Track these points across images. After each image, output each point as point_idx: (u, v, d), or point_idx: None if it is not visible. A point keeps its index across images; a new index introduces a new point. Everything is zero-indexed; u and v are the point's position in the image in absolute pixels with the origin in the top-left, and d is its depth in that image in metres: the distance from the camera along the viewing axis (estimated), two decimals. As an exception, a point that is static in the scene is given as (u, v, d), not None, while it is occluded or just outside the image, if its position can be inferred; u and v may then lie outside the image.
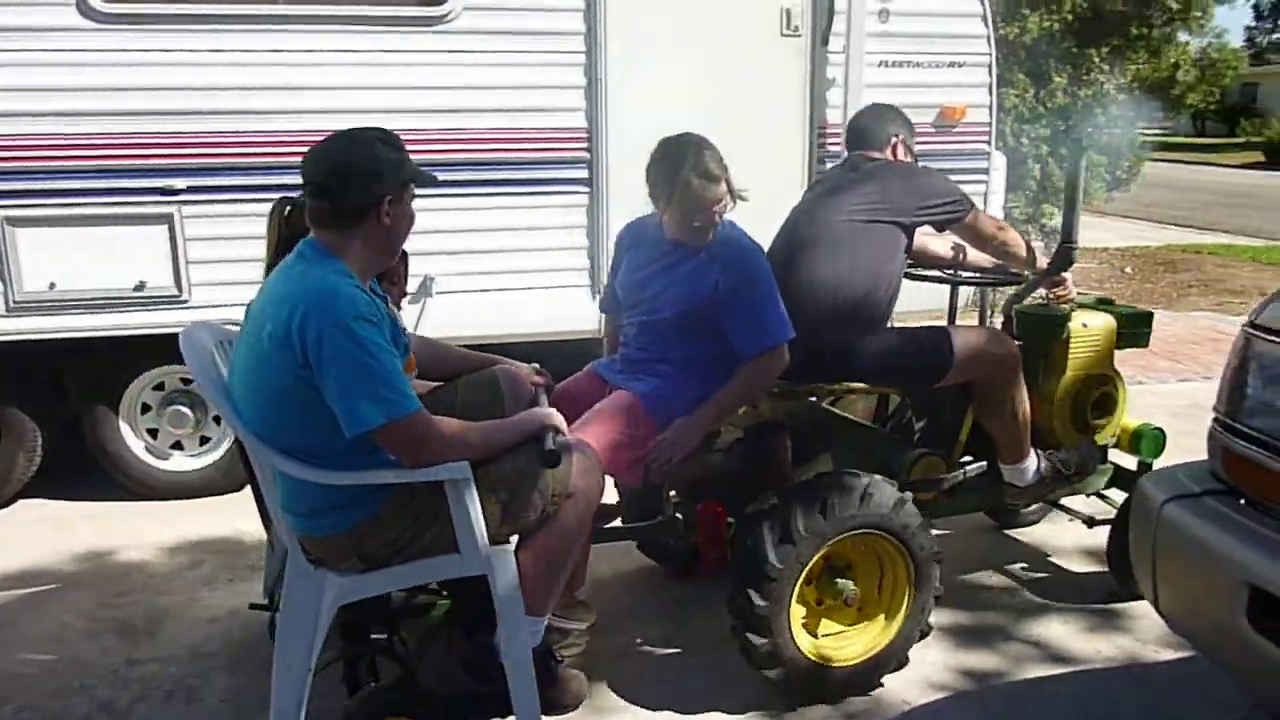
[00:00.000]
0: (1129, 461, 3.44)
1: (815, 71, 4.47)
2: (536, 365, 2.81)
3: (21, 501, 4.22)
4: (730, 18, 4.37)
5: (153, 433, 4.22)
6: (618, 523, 3.16)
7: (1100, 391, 3.24)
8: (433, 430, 2.19)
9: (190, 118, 3.86)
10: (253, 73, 3.89)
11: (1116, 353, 3.31)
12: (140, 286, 3.90)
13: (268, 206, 3.87)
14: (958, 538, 3.77)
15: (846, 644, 2.79)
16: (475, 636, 2.51)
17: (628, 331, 3.00)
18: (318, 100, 3.94)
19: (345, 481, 2.19)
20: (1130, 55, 8.75)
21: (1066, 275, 3.19)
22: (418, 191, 2.36)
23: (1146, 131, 11.92)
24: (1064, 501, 3.54)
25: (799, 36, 4.44)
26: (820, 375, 2.97)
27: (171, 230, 3.90)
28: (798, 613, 2.69)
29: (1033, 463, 3.15)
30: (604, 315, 3.25)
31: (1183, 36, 9.43)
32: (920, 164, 3.24)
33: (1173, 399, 5.49)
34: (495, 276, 4.23)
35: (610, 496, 2.79)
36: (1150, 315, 3.38)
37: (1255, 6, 41.40)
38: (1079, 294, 3.38)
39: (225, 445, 4.23)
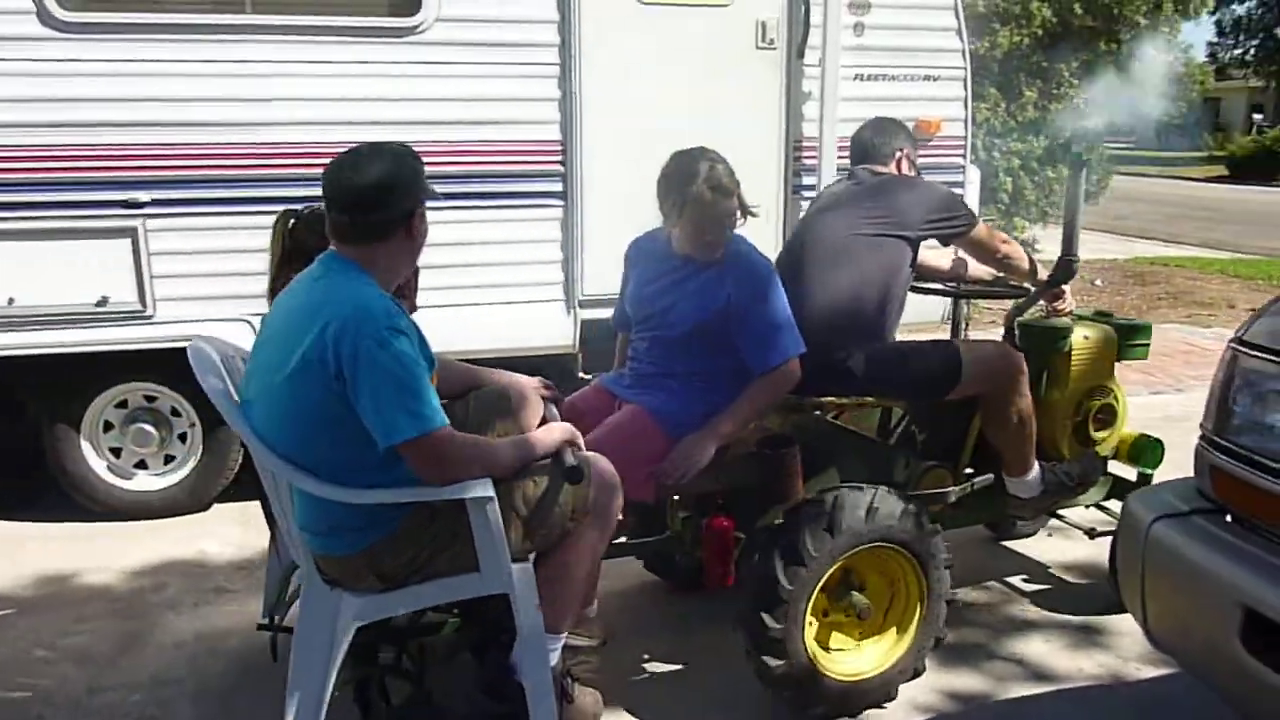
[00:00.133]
0: (1124, 472, 3.45)
1: (791, 84, 4.46)
2: (543, 379, 2.80)
3: (-23, 523, 4.10)
4: (705, 30, 4.34)
5: (115, 451, 4.11)
6: (622, 539, 3.11)
7: (1102, 403, 3.26)
8: (459, 447, 2.19)
9: (155, 129, 3.77)
10: (220, 84, 3.81)
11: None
12: (103, 302, 3.80)
13: (235, 220, 3.88)
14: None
15: (860, 658, 2.79)
16: (489, 655, 2.49)
17: (637, 346, 2.98)
18: (286, 112, 3.86)
19: (370, 500, 2.17)
20: (1098, 70, 8.82)
21: (1065, 288, 3.21)
22: None
23: (1113, 145, 12.05)
24: (1063, 513, 3.54)
25: (774, 49, 4.42)
26: (828, 389, 2.98)
27: (135, 244, 3.80)
28: (810, 631, 2.67)
29: (1037, 475, 3.15)
30: (619, 334, 3.20)
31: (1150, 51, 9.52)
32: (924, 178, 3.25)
33: (1145, 411, 5.48)
34: (468, 291, 4.15)
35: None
36: (1149, 327, 3.42)
37: (1217, 23, 42.15)
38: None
39: (190, 464, 4.13)
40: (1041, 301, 3.26)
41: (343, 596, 2.25)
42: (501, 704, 2.42)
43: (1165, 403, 5.74)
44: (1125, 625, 3.24)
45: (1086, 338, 3.23)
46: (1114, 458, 3.41)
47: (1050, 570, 3.71)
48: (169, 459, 4.17)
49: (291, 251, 2.61)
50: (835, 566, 2.64)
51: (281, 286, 2.63)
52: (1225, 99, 39.88)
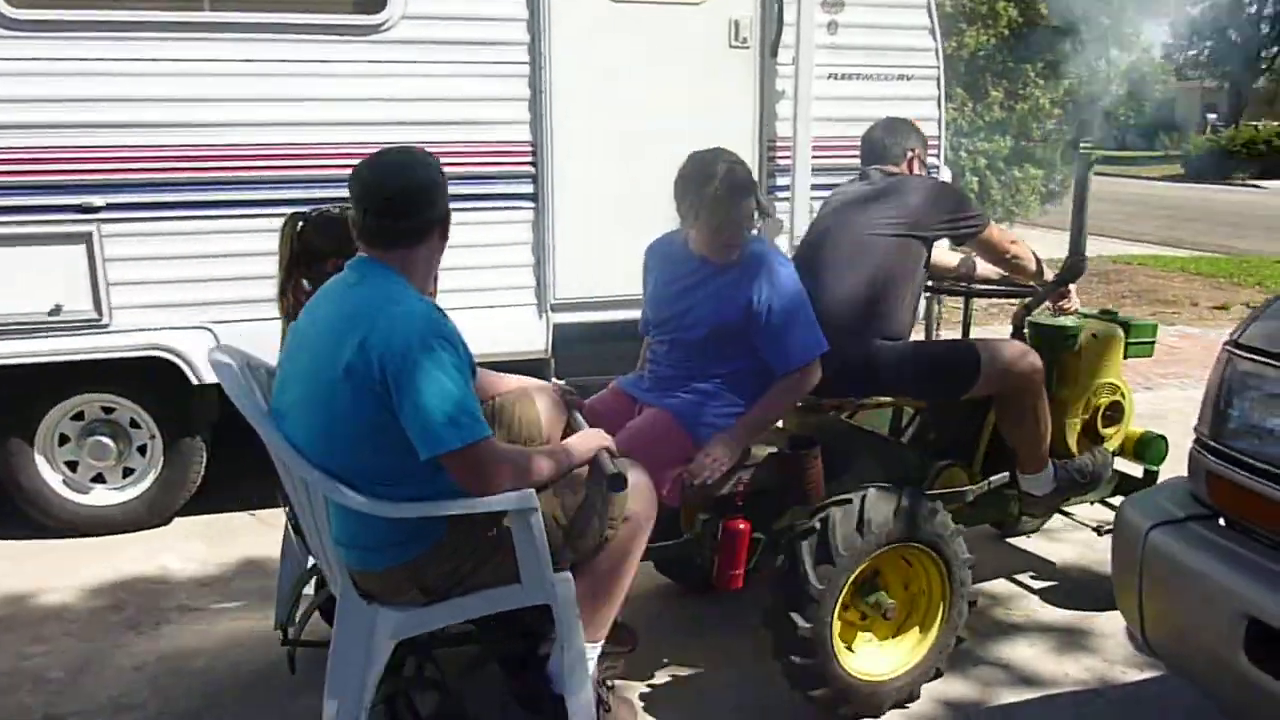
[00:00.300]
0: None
1: (765, 83, 4.41)
2: (564, 384, 2.81)
3: (-76, 541, 3.94)
4: (678, 29, 4.27)
5: (72, 465, 3.97)
6: None
7: (1110, 400, 3.30)
8: (502, 457, 2.17)
9: (111, 131, 3.64)
10: (178, 83, 3.68)
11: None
12: (56, 310, 3.66)
13: (195, 224, 3.75)
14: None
15: (884, 658, 2.80)
16: (524, 667, 2.49)
17: (657, 350, 2.97)
18: (246, 113, 3.74)
19: (414, 514, 2.15)
20: (1063, 69, 8.87)
21: (1071, 287, 3.25)
22: None
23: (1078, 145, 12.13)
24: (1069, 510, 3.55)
25: (748, 48, 4.36)
26: (847, 389, 2.99)
27: (90, 250, 3.66)
28: (837, 630, 2.69)
29: (1051, 472, 3.17)
30: (645, 339, 3.15)
31: (1114, 52, 9.61)
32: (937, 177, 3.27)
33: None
34: (437, 296, 4.04)
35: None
36: (1154, 325, 3.47)
37: (1172, 24, 42.77)
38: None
39: (151, 477, 4.00)
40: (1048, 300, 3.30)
41: (379, 611, 2.22)
42: (539, 716, 2.43)
43: (1135, 400, 5.74)
44: (1109, 628, 3.24)
45: (1095, 336, 3.26)
46: (1119, 454, 3.46)
47: (1031, 573, 3.68)
48: (128, 472, 4.03)
49: (300, 254, 2.62)
50: (863, 566, 2.66)
51: (291, 290, 2.65)
52: (1180, 99, 40.45)
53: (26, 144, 3.56)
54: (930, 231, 3.01)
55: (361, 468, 2.13)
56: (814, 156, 4.40)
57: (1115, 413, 3.33)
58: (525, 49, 4.03)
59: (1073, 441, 3.27)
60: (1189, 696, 2.72)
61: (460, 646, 2.60)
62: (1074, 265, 3.09)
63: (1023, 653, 3.13)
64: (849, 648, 2.75)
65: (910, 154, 3.18)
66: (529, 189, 4.13)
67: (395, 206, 2.16)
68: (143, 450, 4.01)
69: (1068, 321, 3.26)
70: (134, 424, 3.98)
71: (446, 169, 2.25)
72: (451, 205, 2.27)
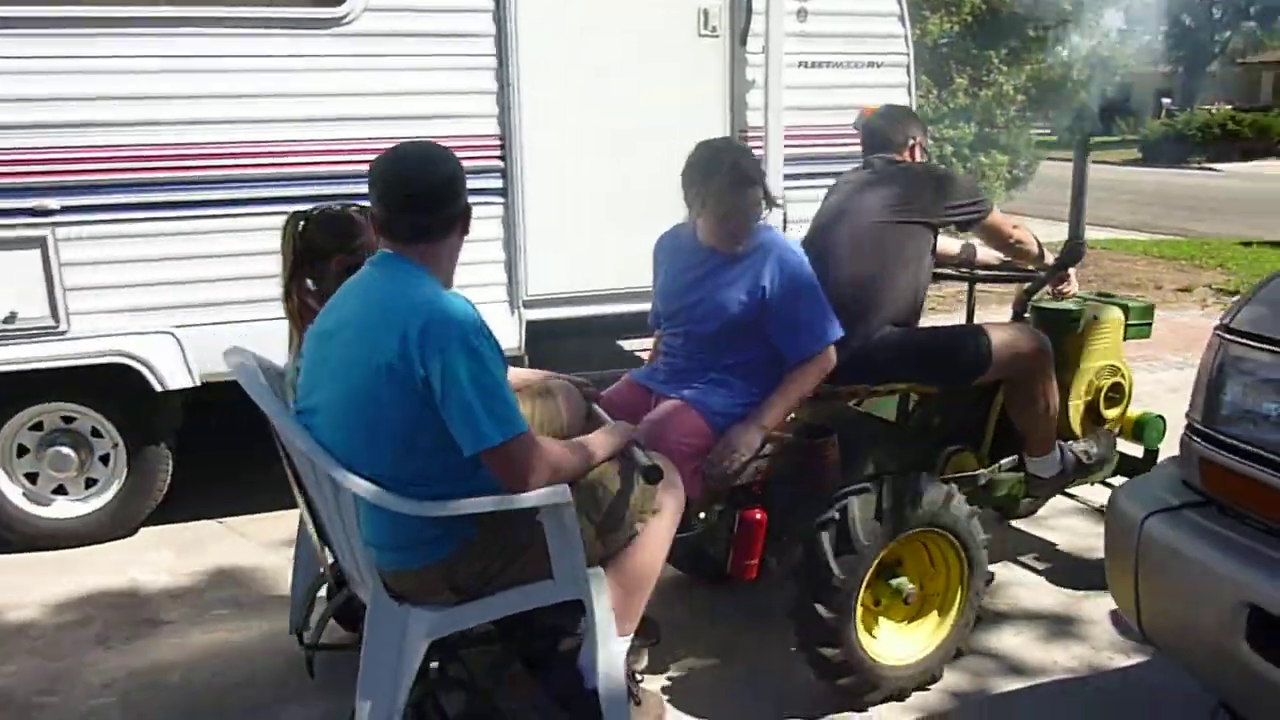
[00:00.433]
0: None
1: (734, 72, 4.36)
2: (579, 377, 2.79)
3: (-120, 560, 3.80)
4: (646, 18, 4.21)
5: (31, 477, 3.84)
6: None
7: (1112, 381, 3.33)
8: (539, 452, 2.15)
9: (64, 131, 3.52)
10: (133, 80, 3.57)
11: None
12: (10, 318, 3.53)
13: (155, 226, 3.64)
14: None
15: (904, 641, 2.84)
16: (553, 664, 2.48)
17: (671, 342, 2.97)
18: (205, 110, 3.63)
19: (450, 512, 2.13)
20: (1025, 56, 8.91)
21: (1070, 271, 3.27)
22: None
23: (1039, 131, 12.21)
24: (1074, 491, 3.58)
25: (717, 37, 4.31)
26: (858, 376, 2.99)
27: (45, 254, 3.54)
28: (859, 617, 2.71)
29: (1057, 454, 3.20)
30: (656, 332, 3.15)
31: (1076, 38, 9.67)
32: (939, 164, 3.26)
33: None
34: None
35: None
36: (1152, 307, 3.51)
37: (1126, 10, 43.28)
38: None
39: (114, 488, 3.88)
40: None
41: (410, 612, 2.20)
42: (571, 711, 2.42)
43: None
44: (1095, 615, 3.24)
45: (1097, 319, 3.30)
46: (1118, 435, 3.49)
47: (1020, 559, 3.67)
48: (91, 483, 3.91)
49: (303, 254, 2.57)
50: (884, 552, 2.69)
51: (296, 290, 2.59)
52: (1136, 84, 40.94)
53: (-25, 146, 3.43)
54: (937, 218, 3.03)
55: (396, 467, 2.10)
56: (786, 145, 4.36)
57: (1117, 394, 3.37)
58: (491, 41, 3.95)
59: (1076, 423, 3.31)
60: (1178, 680, 2.71)
61: (487, 646, 2.59)
62: (1074, 249, 3.12)
63: (1009, 641, 3.12)
64: (870, 634, 2.77)
65: (912, 141, 3.20)
66: (498, 183, 4.05)
67: (419, 201, 2.15)
68: (105, 460, 3.90)
69: (1070, 305, 3.30)
70: (95, 433, 3.86)
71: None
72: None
